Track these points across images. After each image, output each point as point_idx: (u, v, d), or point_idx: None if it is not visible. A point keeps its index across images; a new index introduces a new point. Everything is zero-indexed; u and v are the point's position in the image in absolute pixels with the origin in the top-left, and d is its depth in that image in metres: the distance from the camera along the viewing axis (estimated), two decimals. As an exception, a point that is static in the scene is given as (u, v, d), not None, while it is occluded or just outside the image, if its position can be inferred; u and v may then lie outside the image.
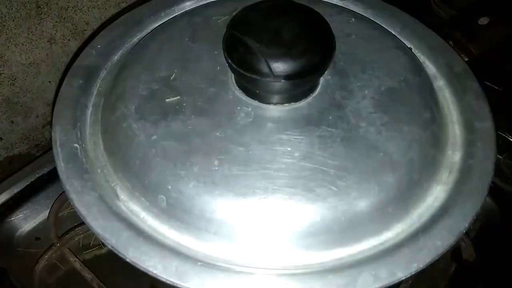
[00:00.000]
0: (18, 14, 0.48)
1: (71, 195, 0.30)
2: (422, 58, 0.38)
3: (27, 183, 0.48)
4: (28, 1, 0.48)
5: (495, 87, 0.56)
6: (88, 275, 0.39)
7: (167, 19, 0.40)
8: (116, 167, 0.32)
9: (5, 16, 0.47)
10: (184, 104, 0.32)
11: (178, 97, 0.32)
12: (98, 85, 0.36)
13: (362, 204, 0.29)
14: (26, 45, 0.51)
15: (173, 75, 0.33)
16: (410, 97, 0.33)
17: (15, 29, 0.49)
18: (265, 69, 0.28)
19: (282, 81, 0.29)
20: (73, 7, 0.53)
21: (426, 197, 0.31)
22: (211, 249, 0.29)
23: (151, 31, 0.39)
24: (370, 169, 0.29)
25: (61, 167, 0.31)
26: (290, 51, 0.28)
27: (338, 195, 0.28)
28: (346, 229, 0.29)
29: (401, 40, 0.38)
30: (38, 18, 0.50)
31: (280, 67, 0.28)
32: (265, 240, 0.29)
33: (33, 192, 0.48)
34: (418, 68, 0.36)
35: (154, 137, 0.30)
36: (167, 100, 0.32)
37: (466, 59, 0.41)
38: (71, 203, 0.29)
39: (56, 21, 0.52)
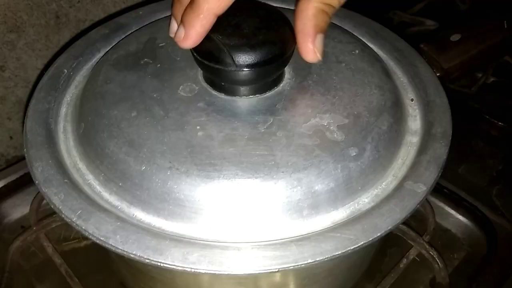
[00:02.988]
0: (37, 22, 0.53)
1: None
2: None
3: (21, 174, 0.50)
4: (48, 11, 0.53)
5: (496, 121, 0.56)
6: (58, 260, 0.40)
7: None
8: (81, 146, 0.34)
9: (25, 22, 0.52)
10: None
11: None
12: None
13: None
14: (43, 51, 0.55)
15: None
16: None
17: (34, 35, 0.53)
18: (228, 59, 0.30)
19: (244, 70, 0.30)
20: (90, 21, 0.57)
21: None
22: (179, 228, 0.30)
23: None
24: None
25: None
26: (251, 42, 0.30)
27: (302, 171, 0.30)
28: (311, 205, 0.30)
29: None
30: (56, 27, 0.55)
31: (241, 56, 0.30)
32: (233, 218, 0.30)
33: (25, 183, 0.50)
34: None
35: (123, 124, 0.32)
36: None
37: (438, 74, 0.42)
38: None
39: (73, 32, 0.57)
